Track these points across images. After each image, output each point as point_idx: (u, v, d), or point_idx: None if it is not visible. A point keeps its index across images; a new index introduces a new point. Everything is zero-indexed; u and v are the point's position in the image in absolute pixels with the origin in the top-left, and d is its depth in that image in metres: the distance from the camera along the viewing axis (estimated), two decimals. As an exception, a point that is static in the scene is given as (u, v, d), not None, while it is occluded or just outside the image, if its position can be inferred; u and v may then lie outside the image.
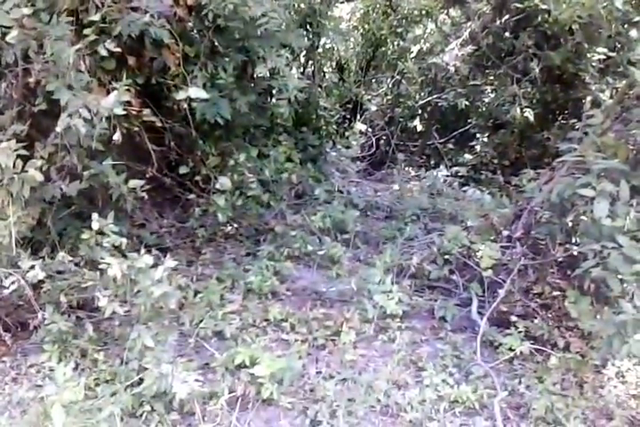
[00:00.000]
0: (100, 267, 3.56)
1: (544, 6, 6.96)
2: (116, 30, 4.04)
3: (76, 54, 3.61)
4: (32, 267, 3.58)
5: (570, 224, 4.41)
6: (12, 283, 3.59)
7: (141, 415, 3.22)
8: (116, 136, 3.85)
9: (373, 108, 9.86)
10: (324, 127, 7.57)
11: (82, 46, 3.68)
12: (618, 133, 4.32)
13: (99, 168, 4.24)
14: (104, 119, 3.73)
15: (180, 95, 4.48)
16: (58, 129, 3.53)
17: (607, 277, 3.62)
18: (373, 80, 10.26)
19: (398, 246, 5.56)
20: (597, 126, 4.30)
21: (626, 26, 6.91)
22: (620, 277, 3.56)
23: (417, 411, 3.45)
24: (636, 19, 6.74)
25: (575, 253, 4.40)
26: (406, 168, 9.06)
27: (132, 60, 4.64)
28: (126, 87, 3.74)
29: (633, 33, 6.83)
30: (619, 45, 7.13)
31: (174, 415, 3.23)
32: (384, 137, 9.37)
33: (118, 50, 3.84)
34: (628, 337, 3.37)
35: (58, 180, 4.06)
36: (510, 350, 4.03)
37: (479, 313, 4.52)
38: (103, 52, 3.78)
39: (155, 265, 3.55)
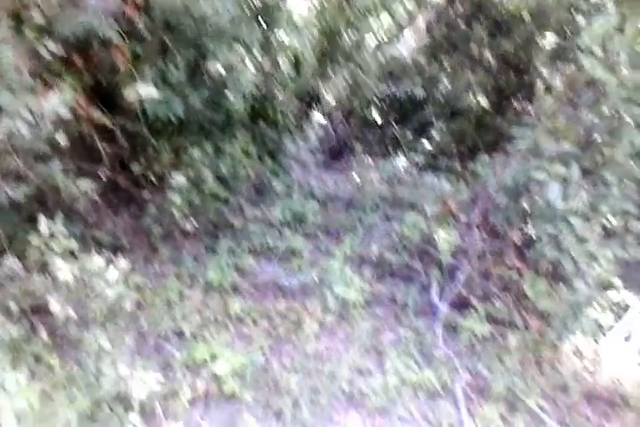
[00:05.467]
0: (51, 270, 3.47)
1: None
2: (57, 30, 3.93)
3: (16, 55, 3.50)
4: (-20, 273, 3.48)
5: (525, 207, 4.46)
6: (-40, 290, 3.48)
7: (100, 418, 3.16)
8: (62, 140, 3.75)
9: (331, 101, 9.84)
10: (281, 121, 7.51)
11: (22, 47, 3.57)
12: (568, 118, 4.39)
13: (46, 171, 4.13)
14: (49, 122, 3.64)
15: (131, 95, 4.40)
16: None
17: (561, 257, 3.69)
18: (330, 72, 10.23)
19: (359, 236, 5.57)
20: (549, 111, 4.37)
21: (573, 13, 7.02)
22: (573, 256, 3.63)
23: (380, 397, 3.46)
24: (583, 6, 6.86)
25: (531, 235, 4.47)
26: (365, 158, 9.07)
27: (78, 61, 4.54)
28: (72, 87, 3.65)
29: (580, 20, 6.95)
30: (568, 32, 7.24)
31: (134, 416, 3.16)
32: (342, 128, 9.36)
33: (60, 51, 3.72)
34: (580, 315, 3.45)
35: (3, 184, 3.95)
36: (471, 332, 4.07)
37: (440, 298, 4.56)
38: (44, 53, 3.66)
39: (109, 266, 3.48)
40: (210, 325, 4.15)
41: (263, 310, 4.37)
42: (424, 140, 9.41)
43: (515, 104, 8.66)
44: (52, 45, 3.67)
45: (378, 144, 9.76)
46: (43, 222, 3.62)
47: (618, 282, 3.67)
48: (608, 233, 3.85)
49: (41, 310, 3.86)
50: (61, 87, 3.64)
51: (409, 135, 9.63)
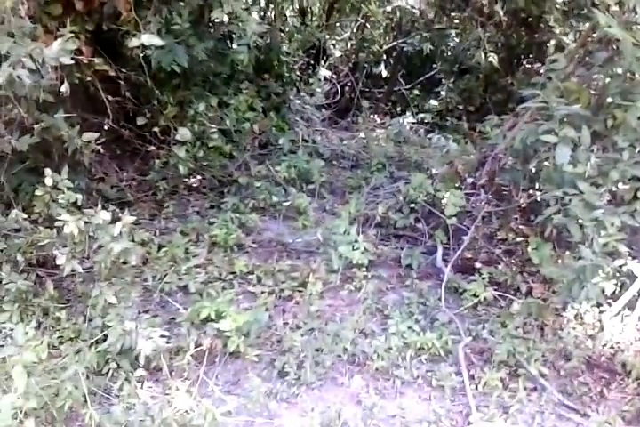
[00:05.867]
0: (57, 224, 3.45)
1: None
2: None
3: (14, -3, 3.36)
4: (-15, 225, 3.46)
5: (533, 171, 4.42)
6: (-35, 242, 3.47)
7: (107, 373, 3.20)
8: (64, 87, 3.66)
9: (337, 54, 9.61)
10: (286, 74, 7.35)
11: (20, -12, 3.43)
12: (580, 78, 4.28)
13: (50, 121, 4.05)
14: (51, 69, 3.54)
15: (133, 42, 4.23)
16: (0, 80, 3.31)
17: (568, 223, 3.66)
18: (337, 24, 9.94)
19: (364, 196, 5.55)
20: (560, 71, 4.25)
21: (590, -34, 6.77)
22: (580, 222, 3.60)
23: (383, 359, 3.50)
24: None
25: (538, 199, 4.44)
26: (372, 116, 8.93)
27: (79, 5, 4.38)
28: (74, 34, 3.52)
29: (597, -26, 6.71)
30: (583, -14, 7.00)
31: (141, 372, 3.20)
32: (349, 84, 9.16)
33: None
34: (586, 282, 3.45)
35: (7, 134, 3.87)
36: (474, 296, 4.10)
37: (444, 260, 4.58)
38: (41, -7, 3.52)
39: (114, 220, 3.45)
40: (214, 281, 4.17)
41: (267, 269, 4.38)
42: (432, 98, 9.26)
43: (525, 63, 8.49)
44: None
45: (385, 101, 9.60)
46: (48, 175, 3.58)
47: (625, 250, 3.65)
48: (617, 200, 3.82)
49: (47, 263, 3.88)
50: (62, 33, 3.50)
51: (416, 92, 9.47)
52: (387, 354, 3.53)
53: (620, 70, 3.79)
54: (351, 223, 4.60)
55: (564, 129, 3.73)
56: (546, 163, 4.05)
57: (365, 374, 3.46)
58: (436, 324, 3.87)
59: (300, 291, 4.16)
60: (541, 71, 6.43)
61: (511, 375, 3.45)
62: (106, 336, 3.27)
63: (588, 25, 4.71)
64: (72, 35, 3.52)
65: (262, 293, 4.11)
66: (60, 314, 3.57)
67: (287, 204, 5.27)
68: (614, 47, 3.85)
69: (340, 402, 3.24)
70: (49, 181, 3.58)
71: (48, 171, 3.57)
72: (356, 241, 4.40)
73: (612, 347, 3.69)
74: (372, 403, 3.22)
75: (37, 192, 3.68)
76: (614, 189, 3.77)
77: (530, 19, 7.87)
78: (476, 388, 3.36)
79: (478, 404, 3.25)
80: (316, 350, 3.55)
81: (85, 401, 2.91)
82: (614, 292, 3.89)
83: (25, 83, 3.31)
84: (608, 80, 3.91)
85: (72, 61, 3.53)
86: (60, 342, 3.39)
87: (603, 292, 3.67)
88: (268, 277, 4.31)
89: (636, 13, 3.51)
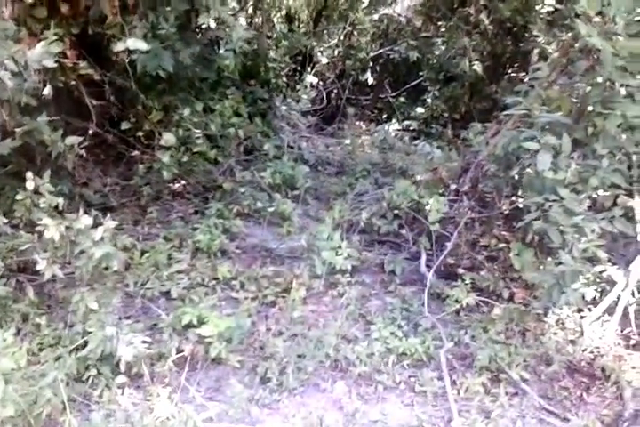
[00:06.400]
0: (38, 228, 3.42)
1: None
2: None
3: (-4, 0, 3.36)
4: (-35, 230, 3.42)
5: (515, 177, 4.46)
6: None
7: (87, 379, 3.16)
8: (47, 90, 3.66)
9: (324, 61, 9.66)
10: (273, 80, 7.38)
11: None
12: (562, 87, 4.34)
13: (33, 124, 4.02)
14: (34, 72, 3.53)
15: (119, 46, 4.26)
16: (-20, 82, 3.30)
17: (548, 229, 3.70)
18: (324, 31, 10.01)
19: (348, 202, 5.56)
20: (543, 79, 4.31)
21: (572, -23, 6.87)
22: (560, 228, 3.64)
23: (366, 365, 3.50)
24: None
25: (520, 205, 4.47)
26: (357, 122, 8.98)
27: (64, 8, 4.37)
28: (59, 37, 3.52)
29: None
30: (565, -3, 7.10)
31: (122, 378, 3.17)
32: (335, 90, 9.23)
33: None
34: (565, 287, 3.49)
35: (-12, 137, 3.85)
36: (457, 301, 4.11)
37: (427, 266, 4.59)
38: (29, -1, 3.52)
39: (96, 225, 3.43)
40: (197, 287, 4.14)
41: (251, 274, 4.37)
42: (418, 105, 9.33)
43: (510, 71, 8.58)
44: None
45: (371, 108, 9.66)
46: (29, 178, 3.55)
47: (604, 256, 3.69)
48: (597, 206, 3.86)
49: (28, 269, 3.84)
50: (46, 36, 3.49)
51: (402, 100, 9.53)
52: (369, 360, 3.53)
53: (600, 79, 3.85)
54: (335, 229, 4.61)
55: (546, 136, 3.79)
56: (528, 169, 4.10)
57: (348, 379, 3.45)
58: (418, 329, 3.88)
59: (283, 297, 4.15)
60: (525, 80, 6.51)
61: (493, 380, 3.46)
62: (86, 342, 3.23)
63: (570, 35, 4.77)
64: (56, 38, 3.52)
65: (245, 298, 4.10)
66: (40, 320, 3.52)
67: (272, 209, 5.26)
68: (595, 57, 3.90)
69: (323, 408, 3.23)
70: (30, 185, 3.55)
71: (29, 175, 3.54)
72: (340, 247, 4.41)
73: (592, 352, 3.72)
74: (355, 408, 3.21)
75: (18, 196, 3.66)
76: (594, 195, 3.83)
77: (515, 28, 7.99)
78: (458, 393, 3.36)
79: (460, 409, 3.25)
80: (299, 355, 3.54)
81: (64, 408, 2.88)
82: (595, 298, 3.93)
83: (7, 85, 3.31)
84: (589, 89, 3.97)
85: (56, 64, 3.53)
86: (40, 349, 3.35)
87: (583, 297, 3.72)
88: (251, 282, 4.30)
89: (615, 24, 3.56)
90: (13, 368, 2.80)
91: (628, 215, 3.90)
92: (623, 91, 3.73)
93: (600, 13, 3.61)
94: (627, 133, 3.76)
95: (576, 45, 4.37)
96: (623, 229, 3.70)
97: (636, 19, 3.65)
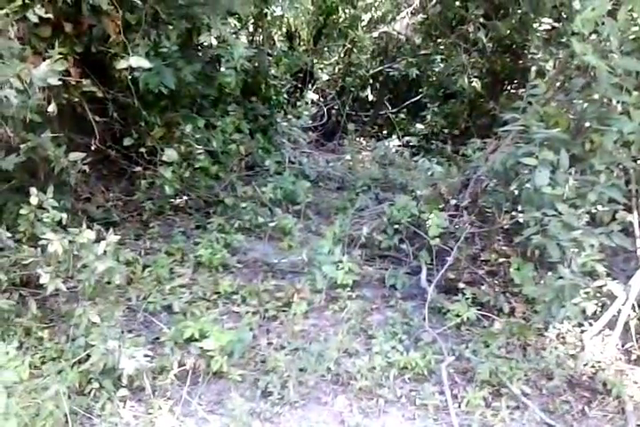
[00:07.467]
0: (42, 243, 3.45)
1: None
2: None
3: (3, 20, 3.42)
4: (-31, 244, 3.45)
5: (514, 193, 4.49)
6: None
7: (89, 393, 3.17)
8: (51, 108, 3.71)
9: (325, 78, 9.77)
10: (274, 97, 7.45)
11: (9, 11, 3.48)
12: (559, 103, 4.40)
13: (37, 140, 4.07)
14: (39, 90, 3.58)
15: (121, 64, 4.33)
16: (-13, 100, 3.35)
17: (547, 243, 3.74)
18: (324, 49, 10.12)
19: (349, 217, 5.59)
20: (540, 96, 4.37)
21: (569, -4, 6.97)
22: (559, 243, 3.67)
23: (367, 379, 3.50)
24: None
25: (520, 220, 4.50)
26: (358, 138, 9.06)
27: (68, 27, 4.44)
28: (63, 56, 3.58)
29: (576, 4, 6.90)
30: (563, 16, 7.20)
31: (123, 391, 3.17)
32: (335, 107, 9.31)
33: (49, 16, 3.64)
34: (565, 301, 3.51)
35: (-8, 153, 3.90)
36: (457, 316, 4.12)
37: (428, 281, 4.60)
38: (33, 19, 3.58)
39: (98, 240, 3.47)
40: (199, 301, 4.16)
41: (252, 289, 4.38)
42: (417, 122, 9.41)
43: (508, 88, 8.68)
44: (40, 10, 3.57)
45: (371, 124, 9.74)
46: (33, 194, 3.60)
47: (603, 271, 3.71)
48: (595, 221, 3.90)
49: (31, 283, 3.85)
50: (51, 54, 3.55)
51: (402, 116, 9.62)
52: (370, 374, 3.53)
53: (596, 96, 3.91)
54: (336, 244, 4.64)
55: (544, 152, 3.84)
56: (527, 185, 4.13)
57: (349, 393, 3.45)
58: (419, 344, 3.88)
59: (284, 311, 4.17)
60: (523, 96, 6.58)
61: (494, 394, 3.46)
62: (89, 356, 3.24)
63: (566, 52, 4.85)
64: (60, 56, 3.58)
65: (247, 313, 4.11)
66: (43, 334, 3.54)
67: (273, 224, 5.31)
68: (591, 74, 3.97)
69: (324, 422, 3.23)
70: (34, 200, 3.60)
71: (33, 190, 3.59)
72: (341, 261, 4.44)
73: (593, 366, 3.72)
74: (356, 422, 3.21)
75: (22, 211, 3.69)
76: (593, 210, 3.86)
77: (513, 46, 8.10)
78: (459, 407, 3.36)
79: (461, 423, 3.24)
80: (300, 369, 3.55)
81: (67, 421, 2.89)
82: (595, 312, 3.93)
83: (12, 103, 3.35)
84: (586, 105, 4.03)
85: (60, 82, 3.58)
86: (42, 362, 3.35)
87: (584, 312, 3.72)
88: (252, 297, 4.31)
89: (609, 42, 3.63)
90: (16, 381, 2.82)
91: (627, 230, 3.94)
92: (619, 107, 3.79)
93: (595, 32, 3.68)
94: (623, 149, 3.82)
95: (573, 63, 4.44)
96: (621, 243, 3.74)
97: (631, 37, 3.74)
